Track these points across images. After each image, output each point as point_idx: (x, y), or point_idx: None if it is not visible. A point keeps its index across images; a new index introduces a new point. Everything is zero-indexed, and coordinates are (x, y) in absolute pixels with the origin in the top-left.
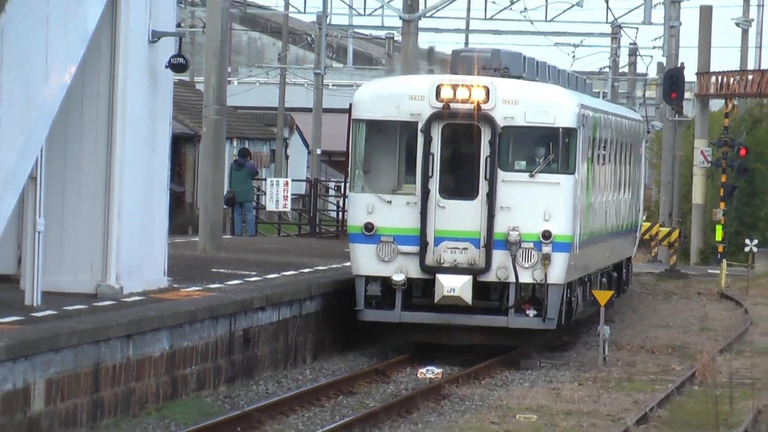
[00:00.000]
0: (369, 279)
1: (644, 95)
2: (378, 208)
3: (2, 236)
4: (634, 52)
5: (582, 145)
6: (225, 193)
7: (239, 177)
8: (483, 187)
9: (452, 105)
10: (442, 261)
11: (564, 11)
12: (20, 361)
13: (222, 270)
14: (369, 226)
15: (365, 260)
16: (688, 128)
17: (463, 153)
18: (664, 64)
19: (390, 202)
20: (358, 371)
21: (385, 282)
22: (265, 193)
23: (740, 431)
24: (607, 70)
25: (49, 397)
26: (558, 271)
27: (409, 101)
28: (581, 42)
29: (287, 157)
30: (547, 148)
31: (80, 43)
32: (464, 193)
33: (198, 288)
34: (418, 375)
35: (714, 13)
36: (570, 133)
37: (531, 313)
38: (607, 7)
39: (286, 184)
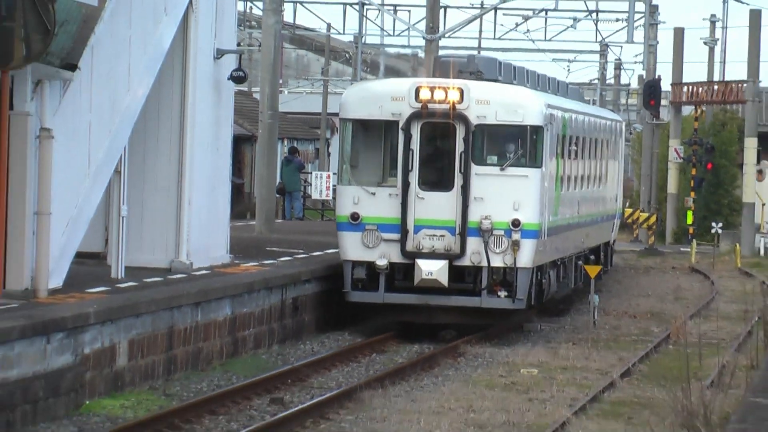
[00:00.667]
0: (355, 263)
1: (627, 102)
2: (363, 199)
3: (92, 220)
4: (618, 66)
5: (549, 141)
6: (277, 184)
7: (288, 171)
8: (458, 179)
9: (430, 105)
10: (421, 247)
11: (560, 32)
12: (107, 325)
13: (274, 249)
14: (355, 216)
15: (352, 246)
16: (663, 130)
17: (440, 149)
18: (644, 77)
19: (374, 193)
20: (388, 333)
21: (370, 266)
22: (310, 184)
23: (707, 383)
24: (596, 81)
25: (131, 354)
26: (527, 256)
27: (391, 102)
28: (575, 58)
29: (329, 154)
30: (516, 144)
31: (157, 60)
32: (441, 186)
33: (255, 264)
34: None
35: (686, 33)
36: (537, 130)
37: (502, 294)
38: (596, 29)
39: (328, 176)
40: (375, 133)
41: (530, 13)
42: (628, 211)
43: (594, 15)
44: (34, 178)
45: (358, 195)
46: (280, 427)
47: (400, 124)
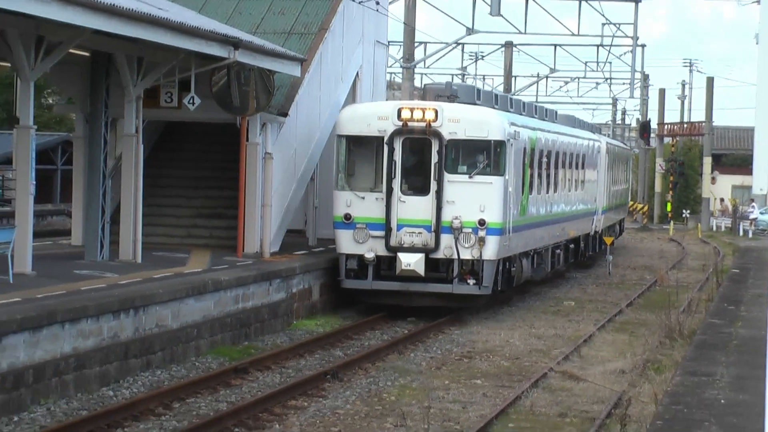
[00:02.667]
0: (348, 256)
1: (629, 135)
2: (354, 202)
3: (297, 209)
4: (624, 112)
5: (514, 153)
6: None
7: None
8: (433, 186)
9: (410, 123)
10: (402, 243)
11: (588, 91)
12: (306, 274)
13: None
14: (347, 216)
15: (345, 242)
16: (652, 152)
17: (419, 160)
18: (640, 119)
19: (363, 197)
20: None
21: (360, 259)
22: None
23: (681, 309)
24: (610, 122)
25: (321, 292)
26: (491, 250)
27: (377, 120)
28: (596, 107)
29: None
30: (482, 156)
31: (336, 109)
32: (419, 191)
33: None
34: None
35: (666, 92)
36: (500, 144)
37: (471, 282)
38: (610, 89)
39: None
40: (364, 147)
41: (568, 79)
42: (631, 203)
43: (609, 81)
44: (261, 183)
45: (351, 199)
46: (434, 329)
47: (385, 139)
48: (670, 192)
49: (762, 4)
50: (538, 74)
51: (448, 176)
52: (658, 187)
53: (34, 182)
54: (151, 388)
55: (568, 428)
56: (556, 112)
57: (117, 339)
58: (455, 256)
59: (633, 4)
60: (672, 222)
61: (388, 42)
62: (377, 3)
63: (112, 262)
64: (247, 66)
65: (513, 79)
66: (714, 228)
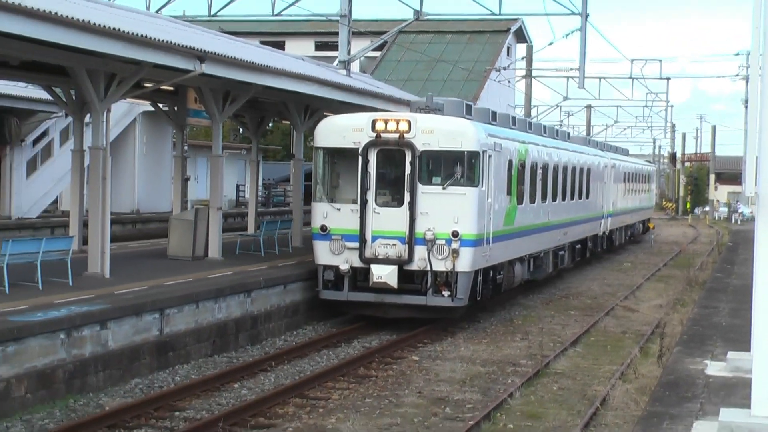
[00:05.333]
0: (325, 267)
1: (662, 161)
2: (331, 213)
3: None
4: (660, 147)
5: (494, 165)
6: None
7: None
8: (407, 197)
9: (384, 135)
10: (377, 254)
11: (638, 134)
12: None
13: None
14: (324, 228)
15: (322, 253)
16: (677, 171)
17: (393, 171)
18: (670, 151)
19: (339, 209)
20: None
21: (337, 270)
22: None
23: (696, 268)
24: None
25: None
26: (466, 261)
27: (352, 132)
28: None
29: None
30: (455, 167)
31: None
32: (394, 202)
33: None
34: None
35: (686, 135)
36: (474, 155)
37: (446, 293)
38: (651, 132)
39: None
40: (341, 159)
41: (626, 126)
42: (664, 202)
43: (651, 128)
44: None
45: (327, 210)
46: (546, 279)
47: (359, 151)
48: (689, 195)
49: (749, 81)
50: (606, 125)
51: (421, 187)
52: (681, 192)
53: (302, 194)
54: None
55: (627, 341)
56: (569, 133)
57: None
58: (429, 268)
59: (666, 81)
60: (690, 215)
61: (515, 105)
62: (509, 82)
63: None
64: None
65: (591, 127)
66: (716, 218)
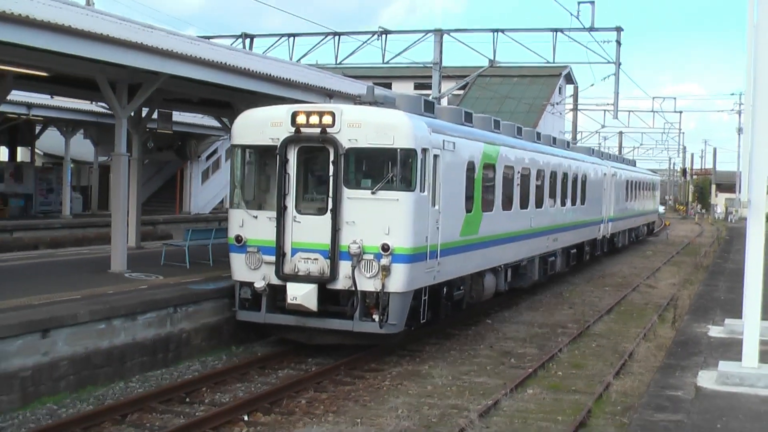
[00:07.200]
0: (242, 284)
1: (674, 175)
2: (247, 222)
3: None
4: (673, 164)
5: (443, 166)
6: None
7: None
8: (331, 203)
9: (304, 130)
10: (297, 270)
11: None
12: None
13: None
14: (239, 238)
15: (238, 268)
16: (687, 182)
17: (316, 173)
18: (681, 167)
19: (256, 217)
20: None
21: (254, 287)
22: None
23: (701, 255)
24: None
25: None
26: (399, 281)
27: (271, 127)
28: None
29: None
30: (387, 167)
31: None
32: (317, 209)
33: None
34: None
35: (694, 155)
36: (409, 153)
37: (377, 317)
38: (668, 152)
39: None
40: (259, 159)
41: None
42: (677, 205)
43: (667, 149)
44: None
45: (243, 218)
46: (587, 262)
47: (278, 149)
48: (696, 200)
49: (743, 114)
50: (633, 146)
51: (347, 192)
52: (690, 198)
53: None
54: None
55: (648, 309)
56: (568, 143)
57: None
58: (355, 288)
59: (679, 114)
60: (697, 215)
61: (564, 132)
62: (561, 114)
63: None
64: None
65: (622, 148)
66: (717, 218)
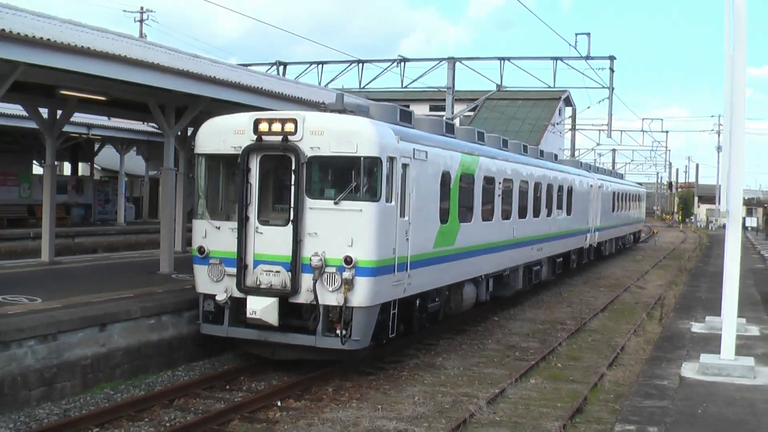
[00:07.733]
0: (205, 296)
1: (661, 188)
2: (210, 233)
3: None
4: (661, 179)
5: (412, 176)
6: None
7: None
8: (292, 213)
9: (266, 138)
10: (259, 283)
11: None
12: None
13: None
14: (201, 250)
15: (201, 279)
16: (672, 194)
17: (278, 182)
18: (668, 181)
19: (219, 228)
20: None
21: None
22: None
23: (685, 259)
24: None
25: None
26: (362, 294)
27: (233, 135)
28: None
29: None
30: (350, 177)
31: None
32: (279, 220)
33: None
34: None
35: (679, 170)
36: (374, 162)
37: (340, 333)
38: (656, 168)
39: None
40: (222, 168)
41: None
42: (664, 215)
43: (655, 165)
44: None
45: (206, 228)
46: (583, 265)
47: (239, 158)
48: (681, 210)
49: (722, 134)
50: (626, 162)
51: (309, 202)
52: (675, 208)
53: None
54: None
55: (638, 308)
56: (556, 156)
57: None
58: (317, 302)
59: (665, 133)
60: (681, 224)
61: (563, 149)
62: (560, 133)
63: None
64: None
65: (615, 164)
66: (699, 226)
